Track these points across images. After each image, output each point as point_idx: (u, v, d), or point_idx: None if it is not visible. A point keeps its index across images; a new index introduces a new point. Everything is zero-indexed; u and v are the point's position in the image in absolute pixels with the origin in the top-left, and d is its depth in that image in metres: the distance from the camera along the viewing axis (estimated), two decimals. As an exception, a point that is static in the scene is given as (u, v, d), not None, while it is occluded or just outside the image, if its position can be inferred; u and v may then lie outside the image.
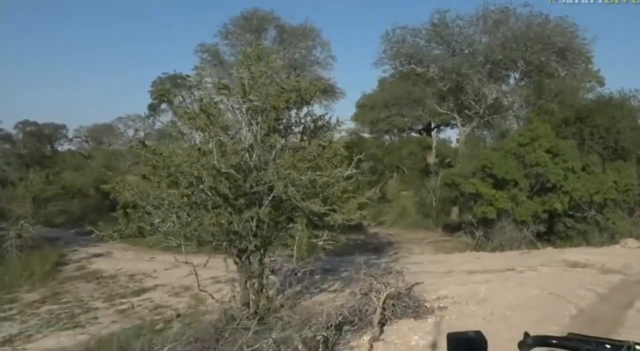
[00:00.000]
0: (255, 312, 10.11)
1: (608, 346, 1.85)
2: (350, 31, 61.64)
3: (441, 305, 9.59)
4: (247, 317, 9.40)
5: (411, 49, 26.81)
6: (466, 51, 26.59)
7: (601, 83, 28.06)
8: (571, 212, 18.26)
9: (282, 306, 10.27)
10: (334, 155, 10.65)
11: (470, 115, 27.36)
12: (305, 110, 10.78)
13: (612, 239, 18.07)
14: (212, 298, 10.37)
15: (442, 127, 35.30)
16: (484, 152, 19.58)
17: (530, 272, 12.57)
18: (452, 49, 26.25)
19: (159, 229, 9.04)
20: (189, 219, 9.03)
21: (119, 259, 19.29)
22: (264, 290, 10.48)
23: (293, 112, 10.73)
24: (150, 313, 12.72)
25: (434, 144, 33.05)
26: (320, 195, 9.45)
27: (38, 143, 50.69)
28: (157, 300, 13.85)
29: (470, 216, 20.30)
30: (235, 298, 9.99)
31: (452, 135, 48.61)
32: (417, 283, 9.24)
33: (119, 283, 15.96)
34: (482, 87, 25.05)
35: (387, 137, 39.15)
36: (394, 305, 8.25)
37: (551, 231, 19.00)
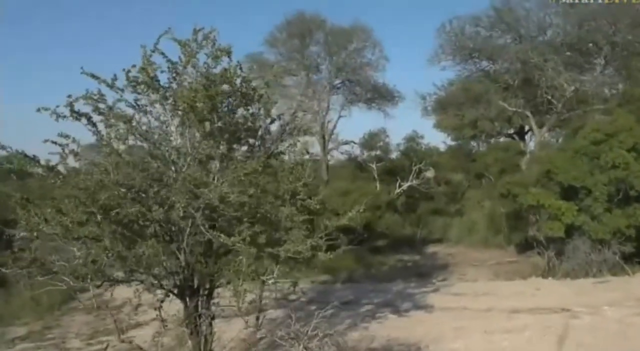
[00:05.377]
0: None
1: None
2: (406, 30, 55.70)
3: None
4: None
5: (471, 40, 23.37)
6: (539, 38, 22.67)
7: None
8: (670, 227, 14.01)
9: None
10: (292, 169, 8.20)
11: (547, 112, 23.31)
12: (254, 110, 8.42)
13: None
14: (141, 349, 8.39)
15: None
16: (548, 154, 15.83)
17: (588, 316, 9.17)
18: (518, 36, 22.46)
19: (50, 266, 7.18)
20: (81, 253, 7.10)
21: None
22: (208, 343, 8.22)
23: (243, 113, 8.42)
24: (117, 357, 11.09)
25: (529, 149, 28.66)
26: (249, 220, 7.06)
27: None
28: (138, 339, 12.12)
29: (539, 233, 16.58)
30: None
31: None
32: None
33: (119, 316, 14.50)
34: (558, 78, 20.98)
35: (474, 144, 35.54)
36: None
37: (646, 251, 14.80)
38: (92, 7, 59.02)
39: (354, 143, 28.31)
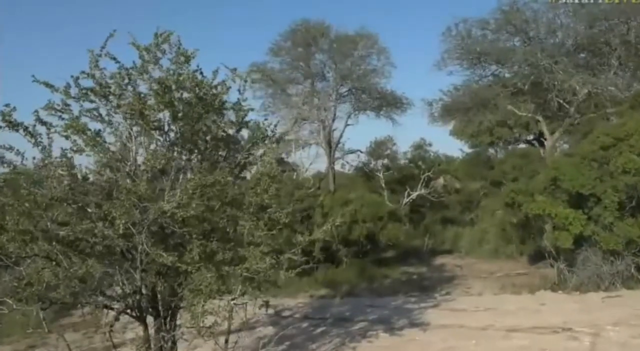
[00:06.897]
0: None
1: None
2: (414, 35, 54.18)
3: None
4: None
5: (478, 44, 22.56)
6: (550, 40, 21.77)
7: None
8: (688, 237, 13.01)
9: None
10: (259, 180, 7.63)
11: (559, 117, 22.34)
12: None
13: None
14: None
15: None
16: (554, 160, 14.97)
17: (588, 337, 8.35)
18: (527, 38, 21.59)
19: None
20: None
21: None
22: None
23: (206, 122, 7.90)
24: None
25: (548, 155, 27.59)
26: (203, 237, 6.52)
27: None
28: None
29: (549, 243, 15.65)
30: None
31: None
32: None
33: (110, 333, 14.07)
34: (569, 80, 20.04)
35: (492, 151, 34.69)
36: None
37: (663, 263, 13.78)
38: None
39: (360, 152, 27.70)
